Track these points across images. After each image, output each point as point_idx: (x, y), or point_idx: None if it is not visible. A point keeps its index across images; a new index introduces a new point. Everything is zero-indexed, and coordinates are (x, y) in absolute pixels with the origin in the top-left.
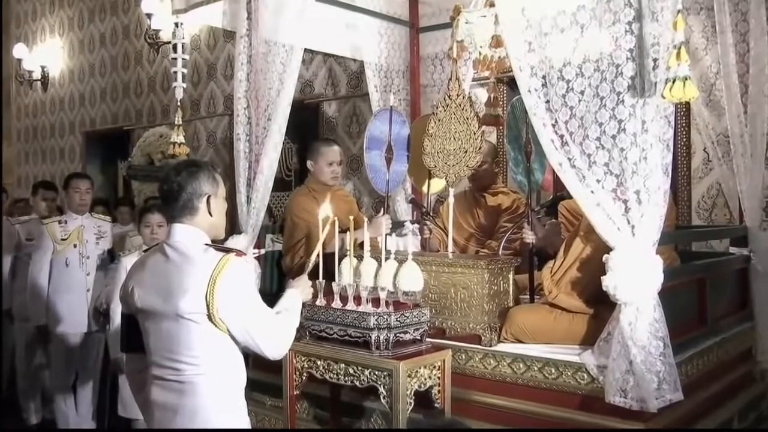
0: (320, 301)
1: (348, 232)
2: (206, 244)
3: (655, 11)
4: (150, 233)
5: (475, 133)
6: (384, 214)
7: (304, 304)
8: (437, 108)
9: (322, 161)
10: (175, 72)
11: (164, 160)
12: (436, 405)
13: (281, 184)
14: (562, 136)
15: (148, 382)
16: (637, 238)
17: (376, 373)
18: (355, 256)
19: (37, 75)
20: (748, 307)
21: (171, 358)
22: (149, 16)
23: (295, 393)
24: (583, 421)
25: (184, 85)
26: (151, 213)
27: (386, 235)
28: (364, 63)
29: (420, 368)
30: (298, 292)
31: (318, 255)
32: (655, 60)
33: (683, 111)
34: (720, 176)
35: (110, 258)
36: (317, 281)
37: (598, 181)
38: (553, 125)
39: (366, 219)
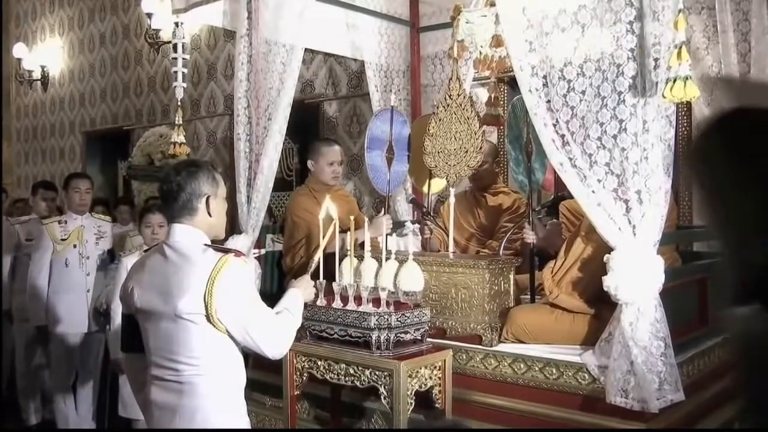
0: (321, 301)
1: (348, 232)
2: (205, 245)
3: (656, 11)
4: (151, 233)
5: (475, 133)
6: (384, 214)
7: (305, 304)
8: (438, 108)
9: (322, 161)
10: (176, 72)
11: (164, 160)
12: (436, 405)
13: (282, 184)
14: (563, 136)
15: (148, 382)
16: (638, 238)
17: (377, 373)
18: (355, 256)
19: (37, 75)
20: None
21: (170, 359)
22: (149, 15)
23: (295, 393)
24: (584, 422)
25: (185, 85)
26: (151, 213)
27: (387, 235)
28: (364, 63)
29: (421, 368)
30: (300, 292)
31: (319, 256)
32: (656, 60)
33: (684, 111)
34: None
35: (110, 258)
36: (318, 281)
37: (599, 180)
38: (554, 125)
39: (366, 219)
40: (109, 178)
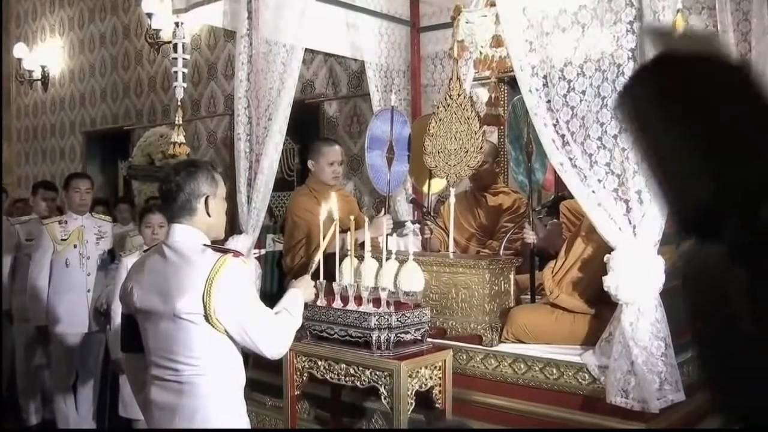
0: (321, 302)
1: (349, 233)
2: (204, 245)
3: (656, 11)
4: (151, 233)
5: (476, 133)
6: (385, 214)
7: (305, 304)
8: (438, 108)
9: (323, 161)
10: (176, 72)
11: (165, 160)
12: (437, 405)
13: (283, 184)
14: (563, 136)
15: (148, 382)
16: (638, 238)
17: (377, 373)
18: (356, 256)
19: (37, 75)
20: None
21: (170, 359)
22: (149, 15)
23: (295, 393)
24: (584, 422)
25: (185, 85)
26: (152, 213)
27: (387, 235)
28: (364, 63)
29: (421, 368)
30: (300, 292)
31: (320, 256)
32: None
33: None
34: None
35: (111, 258)
36: (318, 281)
37: (599, 181)
38: (555, 125)
39: (367, 219)
40: (109, 178)
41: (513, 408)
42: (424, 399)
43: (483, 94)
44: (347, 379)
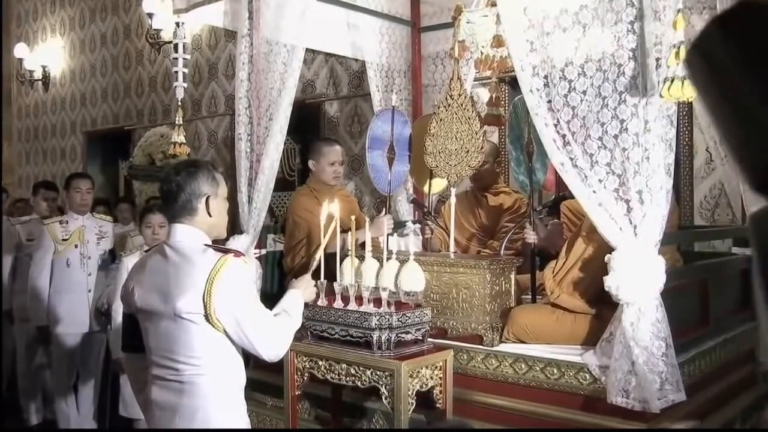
0: (322, 302)
1: (349, 232)
2: (205, 245)
3: (657, 10)
4: (151, 234)
5: (476, 133)
6: (386, 214)
7: (306, 304)
8: (439, 108)
9: (323, 161)
10: (176, 72)
11: (165, 160)
12: (437, 405)
13: (283, 184)
14: (564, 136)
15: (149, 382)
16: (639, 238)
17: (378, 373)
18: (356, 256)
19: (38, 75)
20: (751, 307)
21: (170, 358)
22: (150, 15)
23: (296, 393)
24: (585, 422)
25: (185, 85)
26: (152, 213)
27: (388, 235)
28: (365, 63)
29: (422, 368)
30: (300, 293)
31: (321, 254)
32: (657, 59)
33: (685, 110)
34: (722, 176)
35: (111, 258)
36: (319, 281)
37: (600, 181)
38: (555, 125)
39: (367, 219)
40: (110, 178)
41: (514, 408)
42: (424, 399)
43: (484, 94)
44: (348, 379)
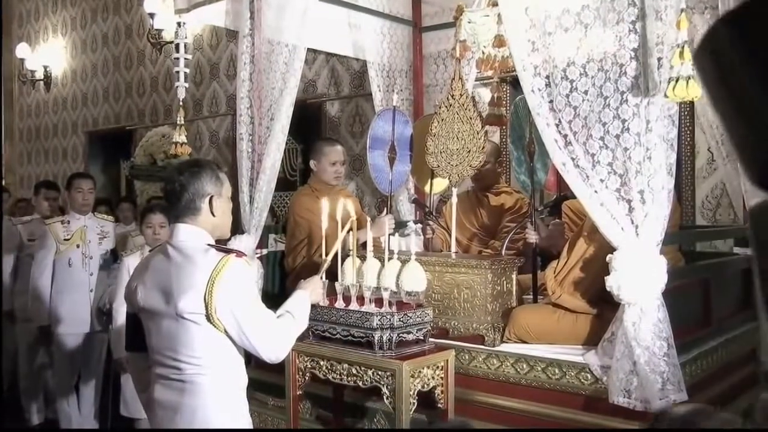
0: (323, 302)
1: (351, 232)
2: (208, 245)
3: (659, 10)
4: (152, 233)
5: (478, 133)
6: (387, 214)
7: (313, 306)
8: (440, 107)
9: (325, 161)
10: (178, 72)
11: (167, 160)
12: (439, 405)
13: (285, 184)
14: (565, 136)
15: (152, 381)
16: (640, 238)
17: (379, 373)
18: (358, 256)
19: (39, 75)
20: (752, 307)
21: (172, 357)
22: (152, 15)
23: (297, 393)
24: (586, 422)
25: (187, 85)
26: (153, 213)
27: (389, 235)
28: (366, 62)
29: (423, 368)
30: (307, 294)
31: (336, 255)
32: (659, 59)
33: (687, 110)
34: (724, 176)
35: (113, 258)
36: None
37: (601, 180)
38: (557, 125)
39: (369, 219)
40: (111, 178)
41: (515, 408)
42: (426, 399)
43: (485, 94)
44: (349, 379)
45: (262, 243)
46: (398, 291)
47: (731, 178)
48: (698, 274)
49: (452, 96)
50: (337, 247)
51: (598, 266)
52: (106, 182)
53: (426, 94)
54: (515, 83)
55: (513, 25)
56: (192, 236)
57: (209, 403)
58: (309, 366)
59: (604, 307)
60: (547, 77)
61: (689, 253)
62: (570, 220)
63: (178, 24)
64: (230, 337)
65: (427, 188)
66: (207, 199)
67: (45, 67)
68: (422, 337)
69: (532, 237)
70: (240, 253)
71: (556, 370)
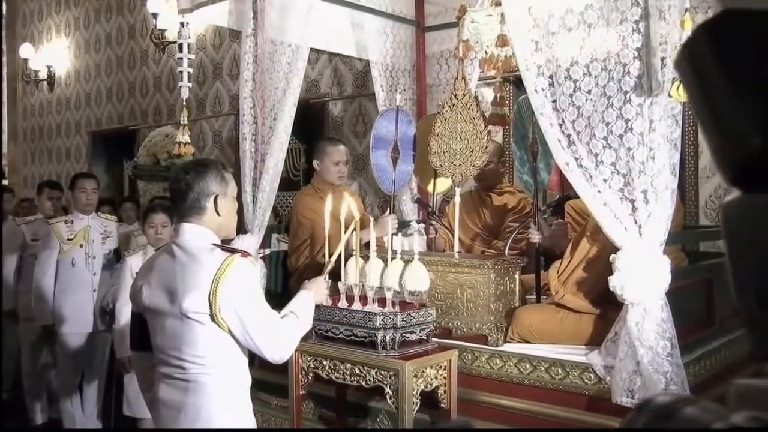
0: (326, 301)
1: (354, 232)
2: (213, 244)
3: (662, 10)
4: (154, 233)
5: (481, 133)
6: (390, 213)
7: (316, 305)
8: (443, 107)
9: (328, 161)
10: (181, 71)
11: (170, 159)
12: (442, 405)
13: (288, 184)
14: (569, 136)
15: (156, 380)
16: (644, 238)
17: (382, 373)
18: (361, 256)
19: (43, 75)
20: None
21: (176, 357)
22: (155, 15)
23: (300, 393)
24: (589, 422)
25: (190, 85)
26: (155, 213)
27: (392, 234)
28: (369, 62)
29: (426, 368)
30: (311, 294)
31: (339, 255)
32: (662, 59)
33: (691, 110)
34: None
35: (116, 258)
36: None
37: (605, 180)
38: (560, 125)
39: (372, 219)
40: (114, 178)
41: (518, 408)
42: (429, 399)
43: (488, 94)
44: (352, 378)
45: (265, 243)
46: (401, 291)
47: None
48: (701, 274)
49: (455, 96)
50: (341, 247)
51: (601, 266)
52: (110, 182)
53: (429, 94)
54: (518, 83)
55: (516, 25)
56: (197, 236)
57: (213, 402)
58: (312, 366)
59: (608, 307)
60: (551, 77)
61: (692, 253)
62: (573, 220)
63: (181, 24)
64: (234, 337)
65: (430, 188)
66: (212, 199)
67: (48, 67)
68: (425, 337)
69: (535, 237)
70: (245, 253)
71: (559, 370)
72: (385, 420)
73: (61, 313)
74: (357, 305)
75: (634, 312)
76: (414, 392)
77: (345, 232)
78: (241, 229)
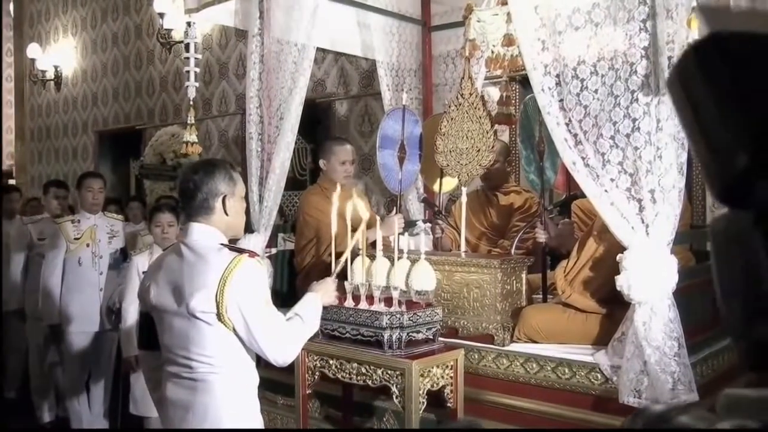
0: (333, 301)
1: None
2: (221, 244)
3: (669, 9)
4: (161, 233)
5: (487, 132)
6: (396, 213)
7: (324, 307)
8: (450, 107)
9: (334, 160)
10: (188, 71)
11: (176, 159)
12: (448, 405)
13: (294, 184)
14: (575, 135)
15: (164, 379)
16: (651, 237)
17: (389, 372)
18: (367, 256)
19: (50, 75)
20: None
21: (184, 356)
22: (161, 15)
23: (307, 392)
24: (596, 422)
25: (197, 84)
26: (161, 212)
27: (398, 234)
28: (375, 62)
29: (432, 368)
30: (318, 297)
31: (347, 257)
32: (669, 58)
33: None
34: None
35: (123, 257)
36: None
37: (612, 180)
38: (567, 124)
39: (378, 218)
40: (121, 178)
41: (525, 408)
42: (435, 398)
43: (495, 93)
44: (359, 378)
45: (272, 242)
46: (408, 290)
47: None
48: (709, 274)
49: (462, 95)
50: (350, 248)
51: (608, 266)
52: (116, 181)
53: (435, 94)
54: (525, 82)
55: (523, 24)
56: (205, 235)
57: (221, 401)
58: (318, 365)
59: (615, 306)
60: (557, 76)
61: (700, 253)
62: (580, 220)
63: (188, 23)
64: (239, 337)
65: (436, 187)
66: (220, 199)
67: (55, 67)
68: (432, 337)
69: (542, 236)
70: (253, 253)
71: (566, 370)
72: (391, 419)
73: (68, 312)
74: (363, 305)
75: (641, 312)
76: (420, 392)
77: (353, 231)
78: (248, 228)
